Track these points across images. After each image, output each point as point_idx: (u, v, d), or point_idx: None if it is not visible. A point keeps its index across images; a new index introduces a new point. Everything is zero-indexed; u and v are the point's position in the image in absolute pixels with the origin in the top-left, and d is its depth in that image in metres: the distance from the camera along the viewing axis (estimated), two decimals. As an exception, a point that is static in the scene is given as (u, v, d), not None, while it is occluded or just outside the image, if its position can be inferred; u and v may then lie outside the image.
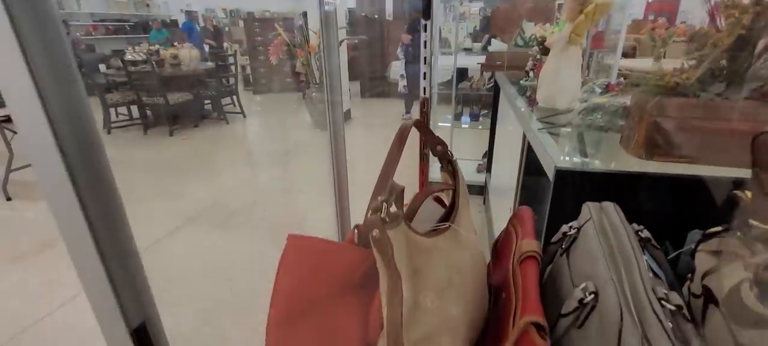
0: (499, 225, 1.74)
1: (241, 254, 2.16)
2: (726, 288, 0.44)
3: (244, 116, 5.32)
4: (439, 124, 3.19)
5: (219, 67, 5.24)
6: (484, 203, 2.61)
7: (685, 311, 0.41)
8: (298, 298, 0.46)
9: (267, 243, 2.23)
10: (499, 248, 0.63)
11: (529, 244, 0.53)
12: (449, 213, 0.57)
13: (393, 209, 0.44)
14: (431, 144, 0.59)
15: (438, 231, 0.51)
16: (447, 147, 0.59)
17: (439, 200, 0.62)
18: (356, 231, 0.49)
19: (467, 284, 0.52)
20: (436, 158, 0.60)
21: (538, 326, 0.43)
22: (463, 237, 0.57)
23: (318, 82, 4.42)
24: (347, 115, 4.95)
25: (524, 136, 1.29)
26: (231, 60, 5.43)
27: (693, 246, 0.55)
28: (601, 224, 0.54)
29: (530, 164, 1.28)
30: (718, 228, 0.52)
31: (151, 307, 0.46)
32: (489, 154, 2.49)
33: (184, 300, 1.80)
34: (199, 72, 4.76)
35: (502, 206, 1.82)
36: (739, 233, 0.49)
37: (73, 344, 1.59)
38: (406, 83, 4.21)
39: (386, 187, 0.46)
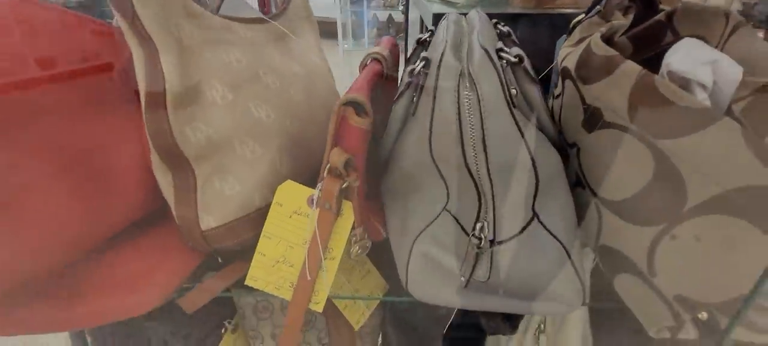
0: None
1: None
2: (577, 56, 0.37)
3: None
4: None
5: None
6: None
7: (528, 67, 0.33)
8: None
9: None
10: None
11: (376, 52, 0.43)
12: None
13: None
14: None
15: (245, 20, 0.38)
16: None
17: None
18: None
19: (296, 97, 0.40)
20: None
21: (357, 105, 0.33)
22: (296, 50, 0.45)
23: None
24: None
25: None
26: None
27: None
28: (454, 16, 0.45)
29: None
30: (581, 16, 0.46)
31: None
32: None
33: None
34: None
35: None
36: (598, 7, 0.42)
37: None
38: None
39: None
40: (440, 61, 0.28)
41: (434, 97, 0.27)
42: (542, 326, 0.50)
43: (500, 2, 0.94)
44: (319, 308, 0.36)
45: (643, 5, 0.41)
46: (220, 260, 0.41)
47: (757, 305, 0.31)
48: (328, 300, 0.50)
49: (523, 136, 0.28)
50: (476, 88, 0.26)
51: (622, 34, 0.40)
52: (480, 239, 0.29)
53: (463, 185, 0.29)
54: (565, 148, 0.39)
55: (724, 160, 0.27)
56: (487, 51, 0.27)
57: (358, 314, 0.50)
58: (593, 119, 0.34)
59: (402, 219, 0.37)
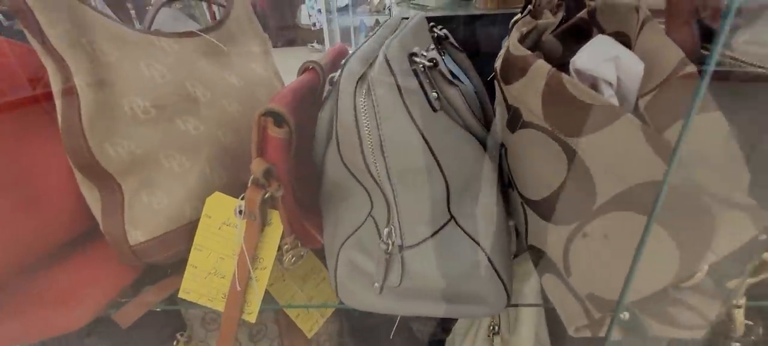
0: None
1: None
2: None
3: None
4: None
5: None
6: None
7: (443, 70, 0.33)
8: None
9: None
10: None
11: (312, 61, 0.43)
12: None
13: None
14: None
15: (173, 34, 0.39)
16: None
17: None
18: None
19: (230, 108, 0.41)
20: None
21: (276, 116, 0.33)
22: (236, 61, 0.45)
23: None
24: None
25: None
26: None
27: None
28: (393, 20, 0.45)
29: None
30: (518, 15, 0.46)
31: None
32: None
33: None
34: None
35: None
36: (530, 7, 0.43)
37: None
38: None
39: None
40: (343, 67, 0.28)
41: (337, 104, 0.28)
42: (496, 327, 0.50)
43: (469, 4, 0.95)
44: (251, 318, 0.36)
45: (571, 3, 0.41)
46: (169, 272, 0.41)
47: (677, 300, 0.30)
48: (280, 310, 0.50)
49: (425, 140, 0.27)
50: (371, 93, 0.26)
51: (552, 33, 0.40)
52: (387, 244, 0.29)
53: (374, 191, 0.29)
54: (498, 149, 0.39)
55: (626, 157, 0.27)
56: (386, 56, 0.27)
57: (312, 322, 0.50)
58: (514, 119, 0.34)
59: (334, 226, 0.37)
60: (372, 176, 0.28)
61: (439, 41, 0.46)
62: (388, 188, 0.28)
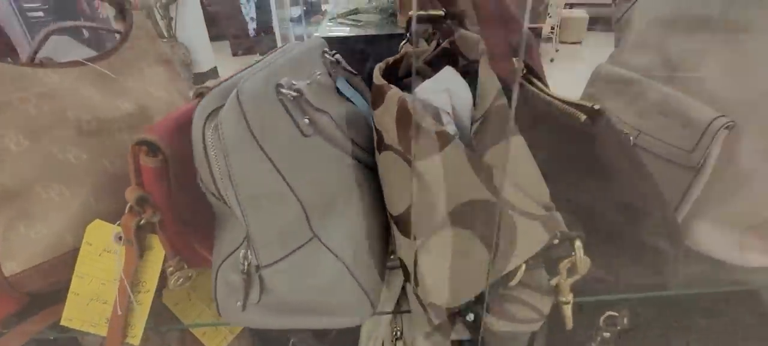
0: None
1: None
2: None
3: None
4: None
5: None
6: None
7: (309, 99, 0.36)
8: None
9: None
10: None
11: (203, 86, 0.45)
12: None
13: None
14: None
15: (56, 64, 0.39)
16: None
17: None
18: None
19: (120, 136, 0.41)
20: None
21: (150, 145, 0.34)
22: (133, 87, 0.46)
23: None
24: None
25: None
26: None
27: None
28: (289, 46, 0.47)
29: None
30: (404, 41, 0.50)
31: None
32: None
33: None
34: None
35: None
36: (408, 35, 0.46)
37: None
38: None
39: None
40: (201, 101, 0.30)
41: (192, 137, 0.30)
42: (398, 332, 0.53)
43: (395, 24, 0.99)
44: (135, 341, 0.37)
45: (443, 33, 0.45)
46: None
47: (514, 298, 0.34)
48: (185, 330, 0.50)
49: (276, 168, 0.30)
50: (219, 129, 0.28)
51: (425, 60, 0.44)
52: (243, 265, 0.31)
53: (235, 215, 0.31)
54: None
55: (455, 178, 0.30)
56: (237, 93, 0.29)
57: (219, 339, 0.51)
58: (379, 142, 0.37)
59: (219, 247, 0.38)
60: (225, 201, 0.30)
61: (333, 66, 0.49)
62: (239, 213, 0.30)
